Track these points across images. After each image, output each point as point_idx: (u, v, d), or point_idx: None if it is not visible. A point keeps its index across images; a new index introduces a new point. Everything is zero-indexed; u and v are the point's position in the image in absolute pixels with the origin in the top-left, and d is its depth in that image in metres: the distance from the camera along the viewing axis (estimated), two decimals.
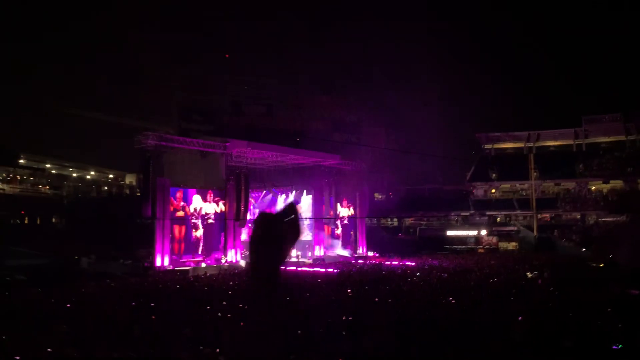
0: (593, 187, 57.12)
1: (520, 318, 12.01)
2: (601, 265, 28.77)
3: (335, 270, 29.44)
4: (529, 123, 65.18)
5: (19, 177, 53.85)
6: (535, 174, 56.15)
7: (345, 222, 47.32)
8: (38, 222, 48.14)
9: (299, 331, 11.00)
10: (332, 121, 57.38)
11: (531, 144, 64.00)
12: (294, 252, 41.96)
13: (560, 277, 22.32)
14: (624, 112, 59.17)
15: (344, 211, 46.96)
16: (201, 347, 9.19)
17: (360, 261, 39.13)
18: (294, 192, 46.15)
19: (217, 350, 8.70)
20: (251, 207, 42.72)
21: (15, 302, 17.29)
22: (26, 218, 48.10)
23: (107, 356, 7.41)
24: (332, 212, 44.50)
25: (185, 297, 17.99)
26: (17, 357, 6.57)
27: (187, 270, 31.78)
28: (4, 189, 50.67)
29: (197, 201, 35.95)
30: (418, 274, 25.40)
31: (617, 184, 54.82)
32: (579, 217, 55.02)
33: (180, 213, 34.80)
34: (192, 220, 35.47)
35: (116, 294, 19.43)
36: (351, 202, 47.64)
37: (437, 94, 62.90)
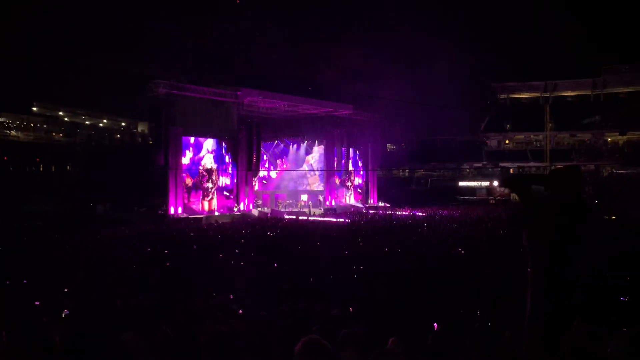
0: (609, 139, 56.27)
1: (529, 269, 12.11)
2: (613, 217, 28.72)
3: (347, 221, 29.72)
4: (547, 72, 63.55)
5: (32, 124, 54.15)
6: (550, 125, 55.33)
7: (361, 172, 47.50)
8: (53, 169, 48.71)
9: (311, 279, 11.22)
10: (345, 70, 56.48)
11: (547, 94, 62.74)
12: (305, 202, 42.45)
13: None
14: None
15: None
16: (214, 294, 9.41)
17: (371, 211, 39.42)
18: (306, 142, 46.09)
19: (231, 297, 8.89)
20: (263, 157, 42.86)
21: (33, 247, 17.75)
22: (41, 165, 48.67)
23: (122, 302, 7.61)
24: (343, 162, 44.42)
25: (199, 244, 18.33)
26: (37, 302, 6.77)
27: (200, 218, 32.25)
28: (18, 137, 51.07)
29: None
30: (425, 225, 25.52)
31: (634, 135, 53.91)
32: (593, 169, 54.46)
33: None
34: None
35: (131, 240, 19.84)
36: (363, 153, 47.58)
37: (453, 41, 61.19)
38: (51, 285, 9.61)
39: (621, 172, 50.21)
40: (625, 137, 54.57)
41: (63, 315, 5.68)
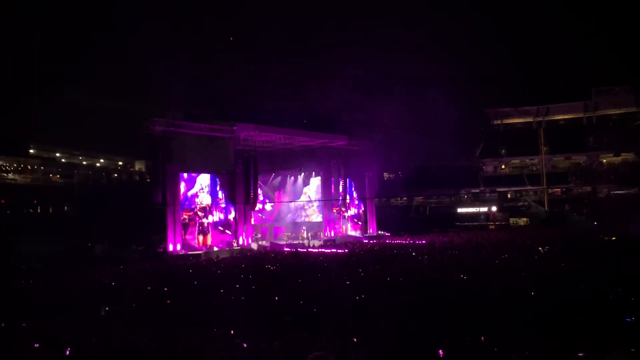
0: (604, 160, 56.61)
1: (532, 293, 12.05)
2: (613, 238, 28.66)
3: (346, 251, 29.56)
4: (538, 97, 64.31)
5: (29, 166, 54.30)
6: (545, 148, 55.72)
7: (355, 202, 47.45)
8: (50, 210, 48.61)
9: (314, 309, 11.13)
10: (340, 100, 57.02)
11: (540, 119, 63.37)
12: (304, 234, 42.31)
13: (572, 251, 22.30)
14: (634, 83, 58.31)
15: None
16: (215, 329, 9.30)
17: (372, 241, 39.25)
18: (303, 174, 46.19)
19: (232, 332, 8.79)
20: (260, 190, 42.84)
21: (32, 289, 17.57)
22: (39, 207, 48.58)
23: (123, 340, 7.52)
24: (340, 193, 44.43)
25: (198, 281, 18.18)
26: (37, 345, 6.69)
27: (199, 254, 32.06)
28: (16, 179, 51.14)
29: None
30: (426, 256, 25.33)
31: (628, 156, 54.27)
32: (590, 190, 54.61)
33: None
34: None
35: (130, 279, 19.67)
36: (360, 183, 47.60)
37: (446, 69, 61.99)
38: (50, 326, 9.50)
39: (618, 193, 50.32)
40: (620, 158, 54.91)
41: (67, 354, 5.62)
